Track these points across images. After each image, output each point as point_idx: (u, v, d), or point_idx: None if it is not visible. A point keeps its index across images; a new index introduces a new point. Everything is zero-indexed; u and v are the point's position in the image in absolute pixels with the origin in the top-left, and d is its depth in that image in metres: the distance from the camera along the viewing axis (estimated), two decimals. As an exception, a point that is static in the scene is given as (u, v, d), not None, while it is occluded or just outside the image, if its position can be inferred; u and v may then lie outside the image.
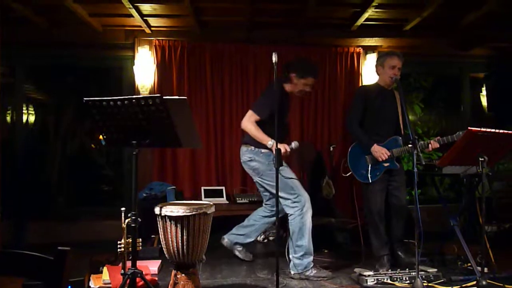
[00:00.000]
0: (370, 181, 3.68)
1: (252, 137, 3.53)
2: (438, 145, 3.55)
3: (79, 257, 3.42)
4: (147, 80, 5.03)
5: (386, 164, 3.66)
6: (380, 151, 3.62)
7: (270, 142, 3.40)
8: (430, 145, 3.55)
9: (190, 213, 2.73)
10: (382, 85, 3.83)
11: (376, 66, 3.88)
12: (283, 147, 3.33)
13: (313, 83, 3.68)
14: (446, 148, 3.30)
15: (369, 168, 3.69)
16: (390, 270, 3.45)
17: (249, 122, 3.52)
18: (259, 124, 3.51)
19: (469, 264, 3.48)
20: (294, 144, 3.44)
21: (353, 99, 3.93)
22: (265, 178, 3.62)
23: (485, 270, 3.15)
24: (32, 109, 5.41)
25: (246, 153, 3.65)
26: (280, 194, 3.33)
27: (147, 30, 5.00)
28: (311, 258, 3.46)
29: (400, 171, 3.79)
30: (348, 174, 3.79)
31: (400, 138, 3.72)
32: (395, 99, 3.84)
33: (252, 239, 3.96)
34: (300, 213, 3.44)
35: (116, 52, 5.28)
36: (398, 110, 3.80)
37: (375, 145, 3.64)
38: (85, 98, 2.46)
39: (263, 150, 3.56)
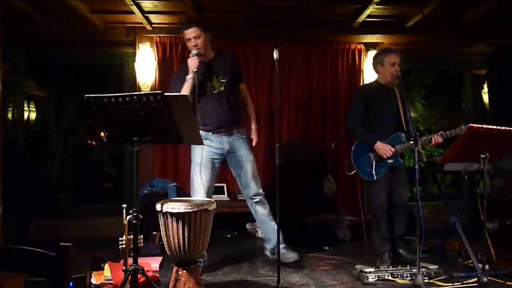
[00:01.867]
0: (376, 178, 3.67)
1: None
2: (441, 140, 3.53)
3: (80, 253, 3.44)
4: (148, 77, 5.04)
5: (390, 161, 3.66)
6: (384, 148, 3.61)
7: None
8: (433, 139, 3.54)
9: (192, 210, 2.73)
10: (382, 83, 3.82)
11: (375, 64, 3.87)
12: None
13: None
14: (448, 143, 3.29)
15: (374, 165, 3.68)
16: (391, 266, 3.45)
17: None
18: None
19: (470, 260, 3.48)
20: (193, 51, 3.43)
21: (353, 99, 3.93)
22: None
23: (486, 266, 3.14)
24: (33, 106, 5.42)
25: None
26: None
27: (148, 27, 5.00)
28: None
29: (403, 167, 3.79)
30: (352, 173, 3.77)
31: (403, 134, 3.72)
32: (395, 96, 3.83)
33: (271, 239, 3.68)
34: None
35: (117, 49, 5.28)
36: (399, 107, 3.79)
37: (378, 142, 3.64)
38: (86, 95, 2.46)
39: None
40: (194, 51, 3.41)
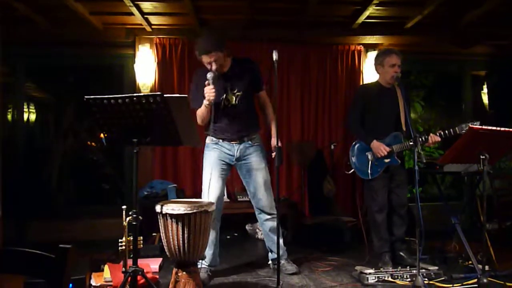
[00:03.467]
0: (371, 177, 3.67)
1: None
2: (439, 139, 3.50)
3: (80, 255, 3.44)
4: (148, 78, 5.04)
5: (387, 160, 3.66)
6: (378, 147, 3.61)
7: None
8: (430, 138, 3.51)
9: (191, 211, 2.73)
10: (382, 84, 3.83)
11: (376, 65, 3.87)
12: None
13: None
14: (448, 144, 3.29)
15: (370, 165, 3.69)
16: (391, 268, 3.45)
17: None
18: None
19: (470, 262, 3.48)
20: (209, 74, 3.22)
21: (353, 98, 3.94)
22: None
23: (486, 267, 3.14)
24: (33, 107, 5.42)
25: None
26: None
27: (148, 28, 5.00)
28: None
29: (402, 169, 3.79)
30: (350, 172, 3.78)
31: (401, 133, 3.72)
32: (396, 97, 3.83)
33: (274, 251, 3.55)
34: None
35: (117, 50, 5.28)
36: (399, 108, 3.79)
37: (374, 141, 3.64)
38: (86, 96, 2.46)
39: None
40: (210, 75, 3.19)
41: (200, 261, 3.31)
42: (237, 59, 3.51)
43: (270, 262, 3.68)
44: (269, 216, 3.51)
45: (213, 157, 3.43)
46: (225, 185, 3.56)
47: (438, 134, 3.53)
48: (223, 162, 3.46)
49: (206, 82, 3.20)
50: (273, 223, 3.49)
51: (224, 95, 3.37)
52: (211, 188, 3.38)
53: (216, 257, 3.50)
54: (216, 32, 3.54)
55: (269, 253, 3.67)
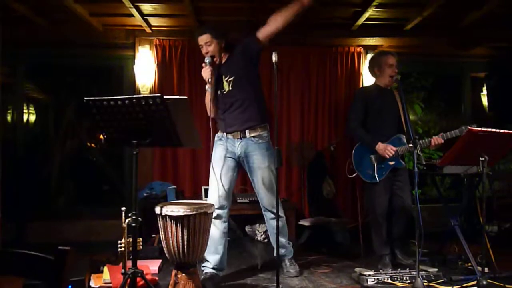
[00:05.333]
0: (378, 180, 3.65)
1: None
2: (442, 141, 3.50)
3: (79, 256, 3.44)
4: (148, 80, 5.04)
5: (391, 163, 3.65)
6: (386, 148, 3.60)
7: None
8: (432, 140, 3.52)
9: (191, 213, 2.73)
10: (381, 86, 3.83)
11: (372, 67, 3.87)
12: None
13: None
14: (448, 146, 3.29)
15: (375, 168, 3.67)
16: (391, 269, 3.45)
17: None
18: None
19: (469, 263, 3.48)
20: (206, 58, 3.31)
21: (352, 101, 3.93)
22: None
23: (486, 269, 3.13)
24: (33, 108, 5.42)
25: None
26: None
27: (148, 30, 5.01)
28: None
29: (404, 171, 3.78)
30: (353, 175, 3.76)
31: (404, 136, 3.72)
32: (395, 98, 3.83)
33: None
34: None
35: (117, 51, 5.28)
36: (399, 110, 3.79)
37: (379, 143, 3.63)
38: (85, 98, 2.46)
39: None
40: (206, 59, 3.29)
41: (205, 265, 3.32)
42: (232, 46, 3.47)
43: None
44: (273, 215, 3.42)
45: (217, 154, 3.41)
46: (233, 182, 3.48)
47: (440, 136, 3.52)
48: (230, 158, 3.39)
49: (203, 64, 3.28)
50: (273, 223, 3.45)
51: (221, 84, 3.39)
52: (211, 188, 3.36)
53: (224, 261, 3.41)
54: (217, 24, 3.62)
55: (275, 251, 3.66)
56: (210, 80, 3.26)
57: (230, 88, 3.34)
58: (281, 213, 3.42)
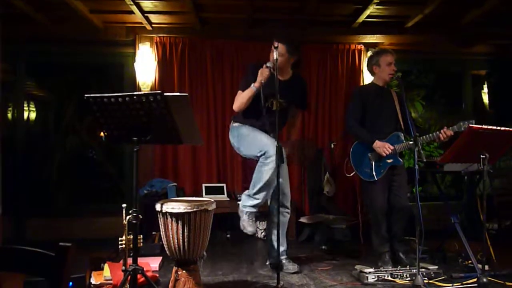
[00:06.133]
0: (376, 178, 3.65)
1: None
2: (451, 132, 3.43)
3: (80, 253, 3.43)
4: (148, 77, 5.04)
5: (389, 160, 3.65)
6: (383, 146, 3.60)
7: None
8: (440, 134, 3.45)
9: (191, 210, 2.73)
10: (379, 84, 3.82)
11: (370, 66, 3.86)
12: None
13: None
14: (448, 144, 3.28)
15: (373, 166, 3.67)
16: (391, 267, 3.45)
17: None
18: None
19: (469, 261, 3.48)
20: (269, 63, 3.37)
21: (350, 99, 3.92)
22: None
23: (486, 267, 3.14)
24: (33, 106, 5.42)
25: None
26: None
27: (148, 27, 5.00)
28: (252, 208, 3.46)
29: (402, 169, 3.78)
30: (352, 174, 3.76)
31: (402, 133, 3.71)
32: (392, 97, 3.83)
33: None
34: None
35: (117, 49, 5.27)
36: (397, 108, 3.79)
37: (377, 141, 3.63)
38: (86, 95, 2.46)
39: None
40: (269, 64, 3.36)
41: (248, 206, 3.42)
42: (298, 74, 3.66)
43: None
44: (289, 210, 3.63)
45: (252, 129, 3.48)
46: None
47: (451, 128, 3.46)
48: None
49: (264, 66, 3.35)
50: (283, 218, 3.50)
51: (272, 99, 3.44)
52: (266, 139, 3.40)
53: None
54: (295, 40, 3.69)
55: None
56: (263, 81, 3.33)
57: (277, 109, 3.26)
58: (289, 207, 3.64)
